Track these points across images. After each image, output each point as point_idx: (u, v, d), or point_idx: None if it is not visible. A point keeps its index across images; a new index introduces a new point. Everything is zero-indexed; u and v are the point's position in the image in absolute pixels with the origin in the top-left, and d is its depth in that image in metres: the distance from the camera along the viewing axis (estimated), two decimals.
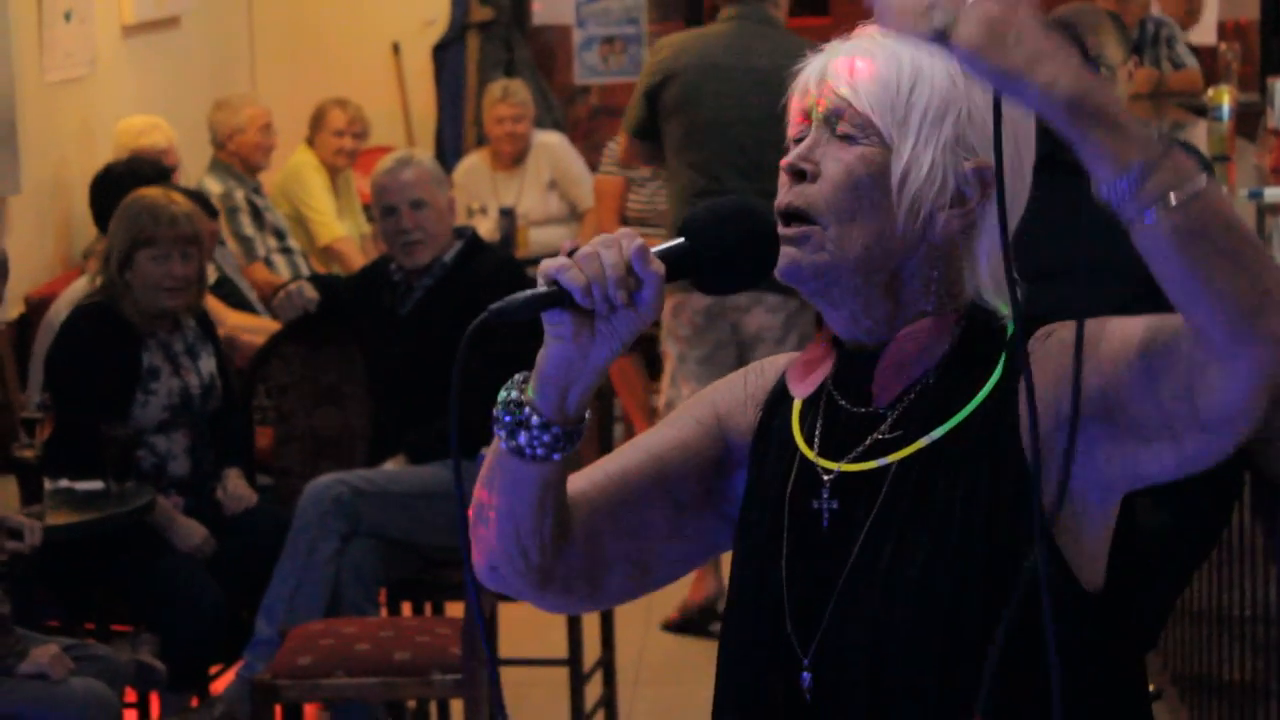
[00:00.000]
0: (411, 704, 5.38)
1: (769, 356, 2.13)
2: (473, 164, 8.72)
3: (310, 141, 8.22)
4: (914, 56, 1.92)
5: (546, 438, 1.89)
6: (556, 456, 1.90)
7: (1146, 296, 4.69)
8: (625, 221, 8.20)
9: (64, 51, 6.98)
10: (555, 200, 8.65)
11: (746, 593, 2.02)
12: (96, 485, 5.09)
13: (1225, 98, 6.13)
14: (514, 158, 8.62)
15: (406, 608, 5.58)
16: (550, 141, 8.77)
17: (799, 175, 1.94)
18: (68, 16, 7.02)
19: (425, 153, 6.12)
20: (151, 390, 5.32)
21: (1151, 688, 4.97)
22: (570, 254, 1.85)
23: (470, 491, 1.96)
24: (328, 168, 8.19)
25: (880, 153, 1.93)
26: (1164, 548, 4.60)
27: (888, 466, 1.94)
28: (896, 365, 1.96)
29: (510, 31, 9.82)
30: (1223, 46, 7.84)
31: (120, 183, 6.17)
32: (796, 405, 2.05)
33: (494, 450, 1.94)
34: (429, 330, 5.48)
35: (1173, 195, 1.64)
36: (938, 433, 1.94)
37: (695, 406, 2.11)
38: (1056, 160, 4.67)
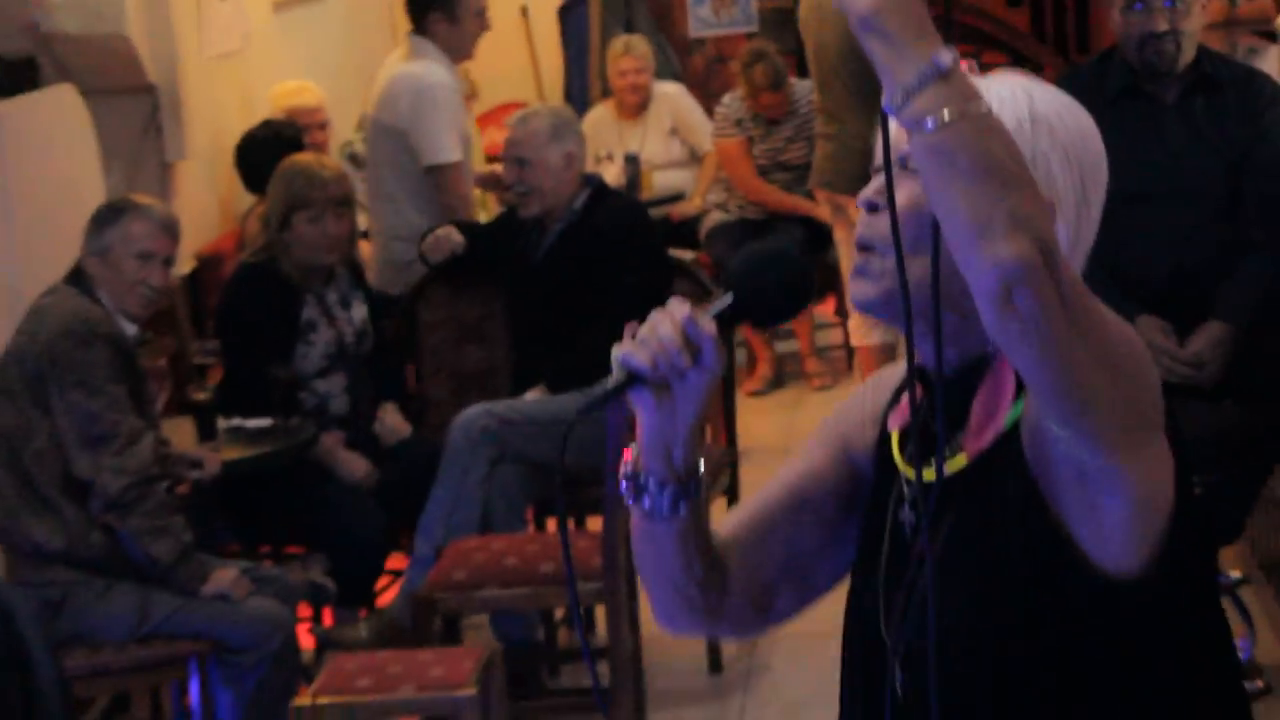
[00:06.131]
0: (559, 612, 5.51)
1: (889, 366, 2.16)
2: (599, 115, 8.84)
3: None
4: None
5: (666, 498, 1.98)
6: (682, 511, 1.99)
7: (1216, 219, 4.80)
8: (760, 173, 8.37)
9: (220, 29, 7.18)
10: (676, 145, 8.76)
11: (854, 598, 2.07)
12: (265, 422, 5.25)
13: None
14: (637, 107, 8.74)
15: (551, 524, 5.70)
16: (670, 91, 8.87)
17: (871, 208, 1.95)
18: None
19: (549, 107, 6.15)
20: (310, 342, 5.46)
21: (1238, 573, 5.00)
22: (633, 336, 1.92)
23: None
24: None
25: None
26: (1244, 440, 4.75)
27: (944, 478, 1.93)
28: (986, 413, 1.95)
29: None
30: None
31: (261, 147, 6.52)
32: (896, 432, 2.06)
33: (634, 519, 2.02)
34: (561, 273, 5.61)
35: (929, 120, 1.67)
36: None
37: (821, 432, 2.15)
38: (1139, 90, 4.95)
